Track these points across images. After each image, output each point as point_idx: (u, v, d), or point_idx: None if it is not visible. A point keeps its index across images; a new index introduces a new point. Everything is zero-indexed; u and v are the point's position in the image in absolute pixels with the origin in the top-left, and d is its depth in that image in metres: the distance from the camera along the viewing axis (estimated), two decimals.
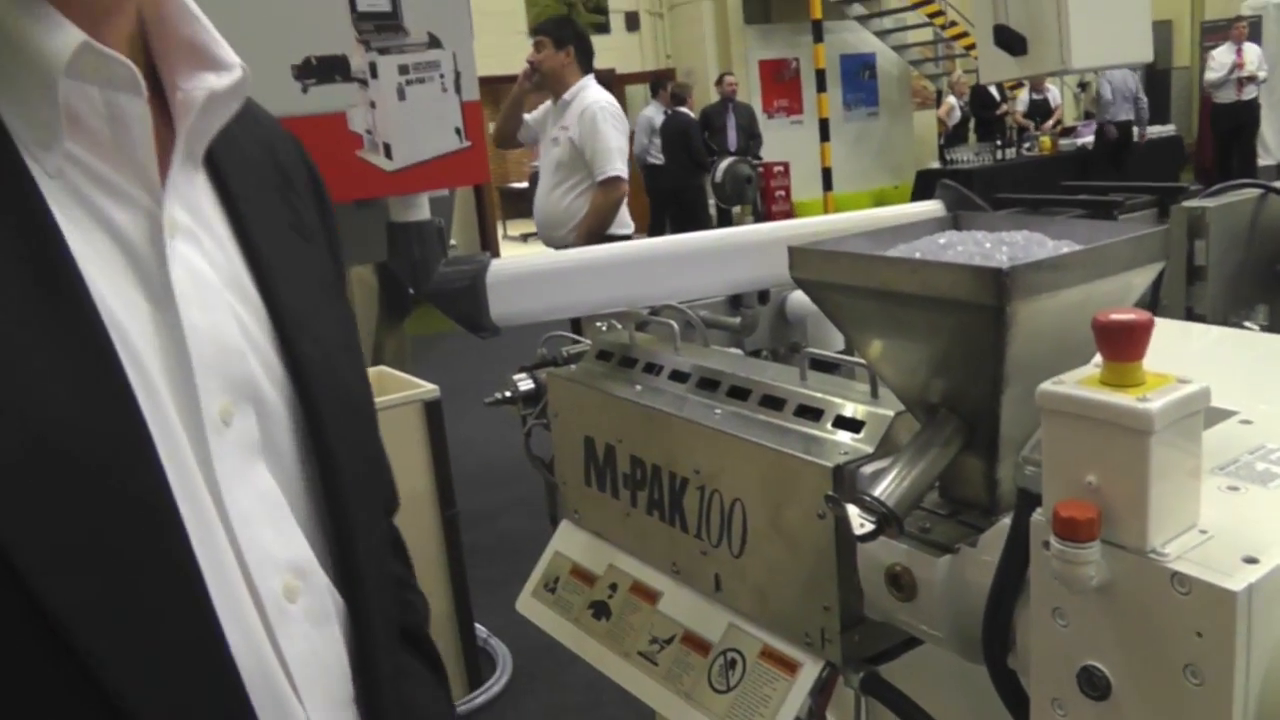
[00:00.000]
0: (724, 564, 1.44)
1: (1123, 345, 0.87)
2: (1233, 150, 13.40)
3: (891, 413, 1.28)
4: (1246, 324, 2.53)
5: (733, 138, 12.31)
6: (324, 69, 1.88)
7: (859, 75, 15.53)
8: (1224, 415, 1.16)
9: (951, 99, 13.93)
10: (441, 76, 1.97)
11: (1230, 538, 0.88)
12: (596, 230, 4.76)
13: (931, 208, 1.94)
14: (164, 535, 0.67)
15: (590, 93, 4.88)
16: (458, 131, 2.00)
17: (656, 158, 12.54)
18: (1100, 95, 12.87)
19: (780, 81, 14.93)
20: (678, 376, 1.60)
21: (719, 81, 12.57)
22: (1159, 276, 1.11)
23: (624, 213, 4.99)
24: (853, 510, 1.05)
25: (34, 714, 0.62)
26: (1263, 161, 13.58)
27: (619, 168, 4.75)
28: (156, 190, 0.74)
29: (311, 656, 0.78)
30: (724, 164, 11.76)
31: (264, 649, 0.73)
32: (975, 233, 1.16)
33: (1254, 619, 0.82)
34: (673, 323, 1.71)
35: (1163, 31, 14.98)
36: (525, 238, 18.01)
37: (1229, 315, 2.44)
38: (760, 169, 12.47)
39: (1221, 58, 13.28)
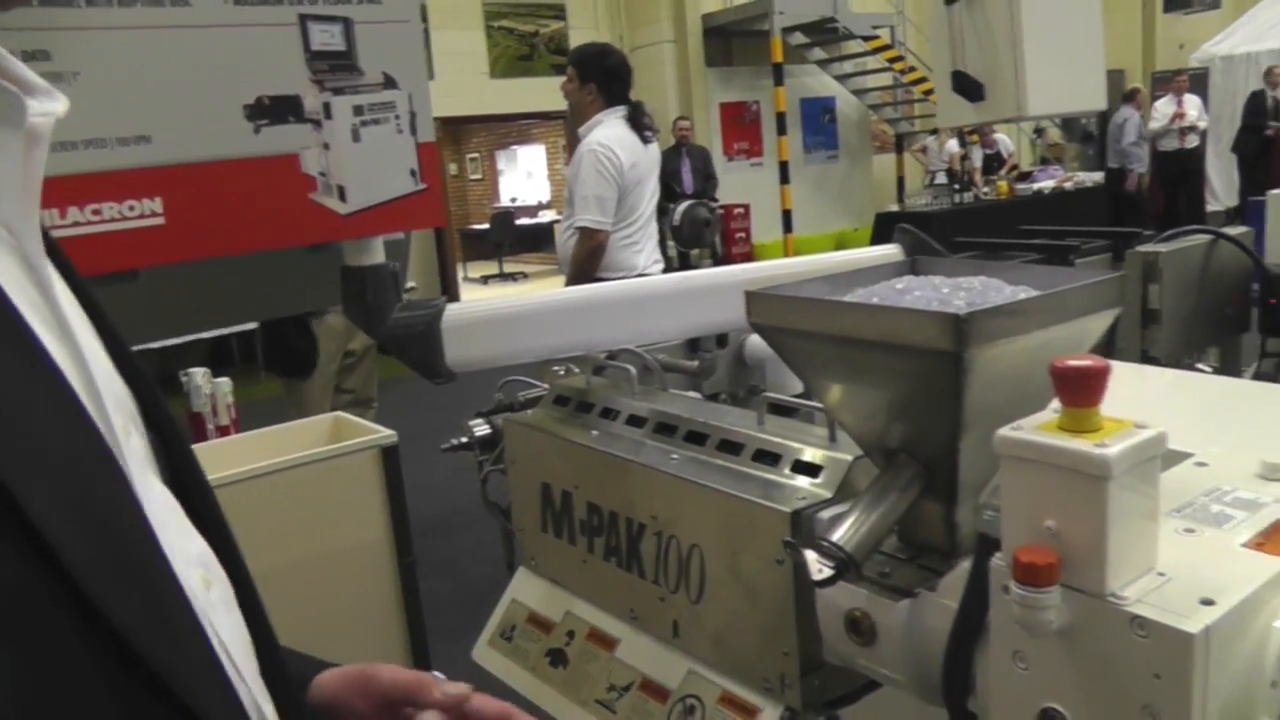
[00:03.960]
0: (682, 610, 1.42)
1: (1080, 391, 0.87)
2: (1179, 197, 13.69)
3: (850, 457, 1.27)
4: (1199, 366, 2.56)
5: (688, 181, 12.28)
6: (277, 109, 1.84)
7: (819, 119, 15.64)
8: (1180, 458, 1.16)
9: (930, 140, 14.21)
10: (397, 118, 1.94)
11: (1187, 580, 0.88)
12: (574, 280, 4.43)
13: (889, 252, 1.95)
14: (139, 529, 0.70)
15: (596, 132, 4.57)
16: (413, 173, 1.98)
17: None
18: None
19: (741, 124, 14.99)
20: (635, 421, 1.58)
21: (673, 126, 12.55)
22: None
23: (623, 256, 4.63)
24: (811, 556, 1.04)
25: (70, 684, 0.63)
26: (1211, 207, 13.86)
27: (588, 219, 4.48)
28: (17, 226, 0.72)
29: (236, 637, 0.81)
30: (681, 207, 11.68)
31: (208, 632, 0.76)
32: (933, 278, 1.16)
33: (1211, 660, 0.82)
34: (630, 367, 1.70)
35: (1115, 80, 15.22)
36: (486, 279, 18.00)
37: (1182, 358, 2.47)
38: (720, 211, 12.51)
39: (1163, 109, 13.65)
